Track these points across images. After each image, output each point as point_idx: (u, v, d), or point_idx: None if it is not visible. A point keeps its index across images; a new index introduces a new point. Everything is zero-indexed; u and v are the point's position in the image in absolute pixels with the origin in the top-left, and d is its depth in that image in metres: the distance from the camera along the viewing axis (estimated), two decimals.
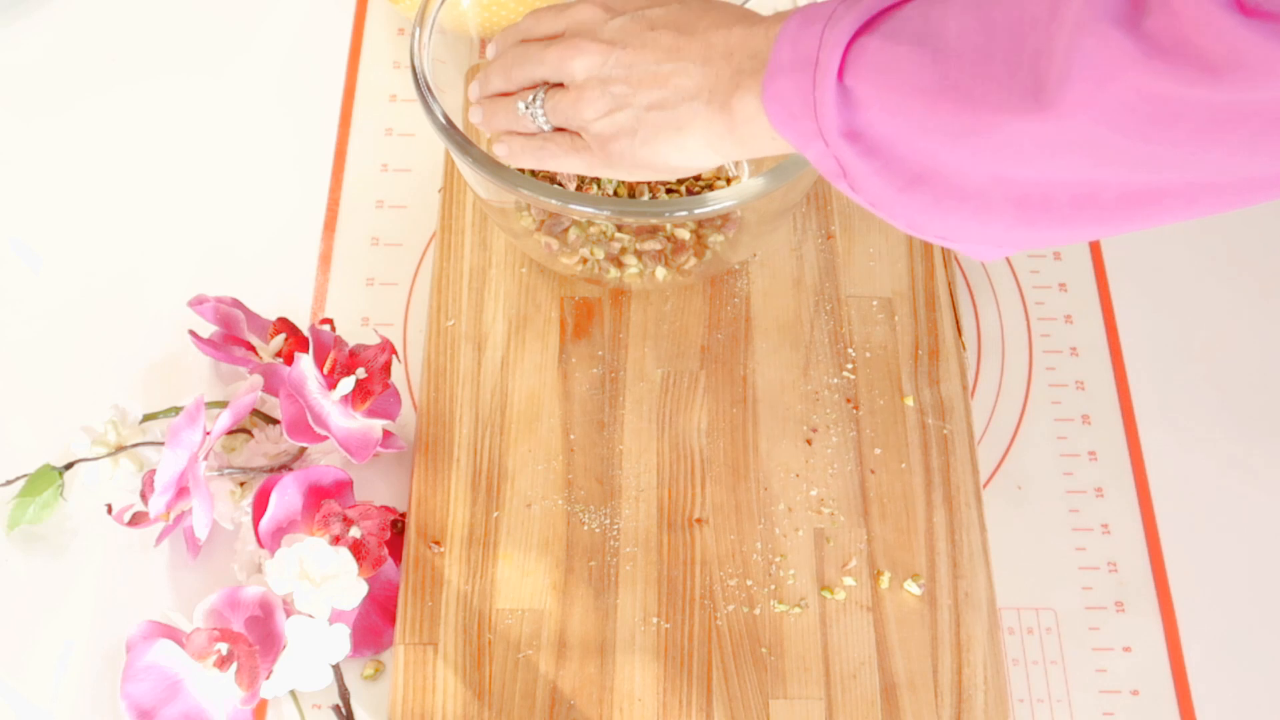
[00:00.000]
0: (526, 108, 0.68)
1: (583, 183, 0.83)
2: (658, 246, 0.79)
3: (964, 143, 0.53)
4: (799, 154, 0.67)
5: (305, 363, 0.74)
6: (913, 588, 0.74)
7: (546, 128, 0.69)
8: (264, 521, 0.71)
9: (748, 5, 0.71)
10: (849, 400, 0.80)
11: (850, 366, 0.81)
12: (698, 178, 0.85)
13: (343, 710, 0.71)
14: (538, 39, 0.69)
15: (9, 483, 0.77)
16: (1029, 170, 0.52)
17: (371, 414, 0.75)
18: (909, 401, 0.79)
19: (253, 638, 0.69)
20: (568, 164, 0.69)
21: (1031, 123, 0.50)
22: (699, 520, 0.76)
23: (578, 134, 0.68)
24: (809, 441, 0.78)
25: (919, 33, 0.53)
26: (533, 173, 0.85)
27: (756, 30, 0.61)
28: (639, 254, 0.79)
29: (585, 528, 0.76)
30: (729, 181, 0.85)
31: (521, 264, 0.85)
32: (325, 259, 0.88)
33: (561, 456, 0.78)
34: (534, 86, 0.69)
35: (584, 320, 0.82)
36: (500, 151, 0.71)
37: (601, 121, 0.66)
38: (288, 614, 0.70)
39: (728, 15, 0.64)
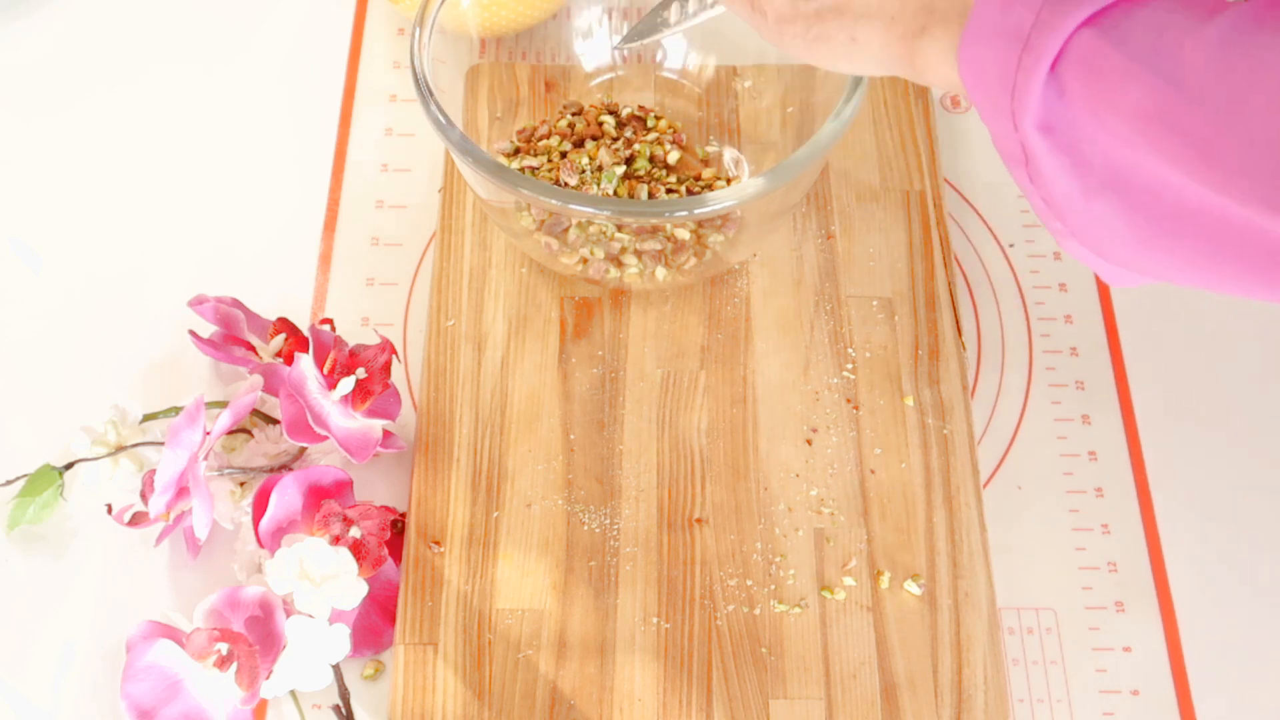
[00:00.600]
0: None
1: (583, 182, 0.83)
2: (658, 246, 0.79)
3: (1184, 194, 0.49)
4: (800, 154, 0.66)
5: (305, 363, 0.74)
6: (913, 588, 0.74)
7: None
8: (264, 521, 0.71)
9: None
10: (849, 400, 0.80)
11: (850, 366, 0.81)
12: (697, 177, 0.85)
13: (343, 710, 0.71)
14: None
15: (9, 483, 0.77)
16: (1259, 250, 0.49)
17: (371, 414, 0.75)
18: (909, 401, 0.79)
19: (253, 638, 0.69)
20: (742, 14, 0.65)
21: None
22: (699, 520, 0.76)
23: None
24: (809, 441, 0.78)
25: (1150, 52, 0.49)
26: (532, 171, 0.85)
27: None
28: (639, 254, 0.79)
29: (585, 528, 0.76)
30: (729, 181, 0.85)
31: (521, 264, 0.85)
32: (325, 259, 0.88)
33: (561, 456, 0.78)
34: None
35: (584, 320, 0.82)
36: None
37: (781, 8, 0.62)
38: (288, 614, 0.70)
39: None
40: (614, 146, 0.86)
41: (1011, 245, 0.88)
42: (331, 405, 0.74)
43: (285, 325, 0.80)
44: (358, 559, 0.71)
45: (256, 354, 0.80)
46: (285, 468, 0.76)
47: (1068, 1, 0.51)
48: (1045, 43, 0.51)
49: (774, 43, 0.64)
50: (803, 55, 0.64)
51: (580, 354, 0.81)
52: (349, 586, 0.70)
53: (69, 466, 0.76)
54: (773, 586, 0.74)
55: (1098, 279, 0.87)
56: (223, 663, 0.68)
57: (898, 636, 0.73)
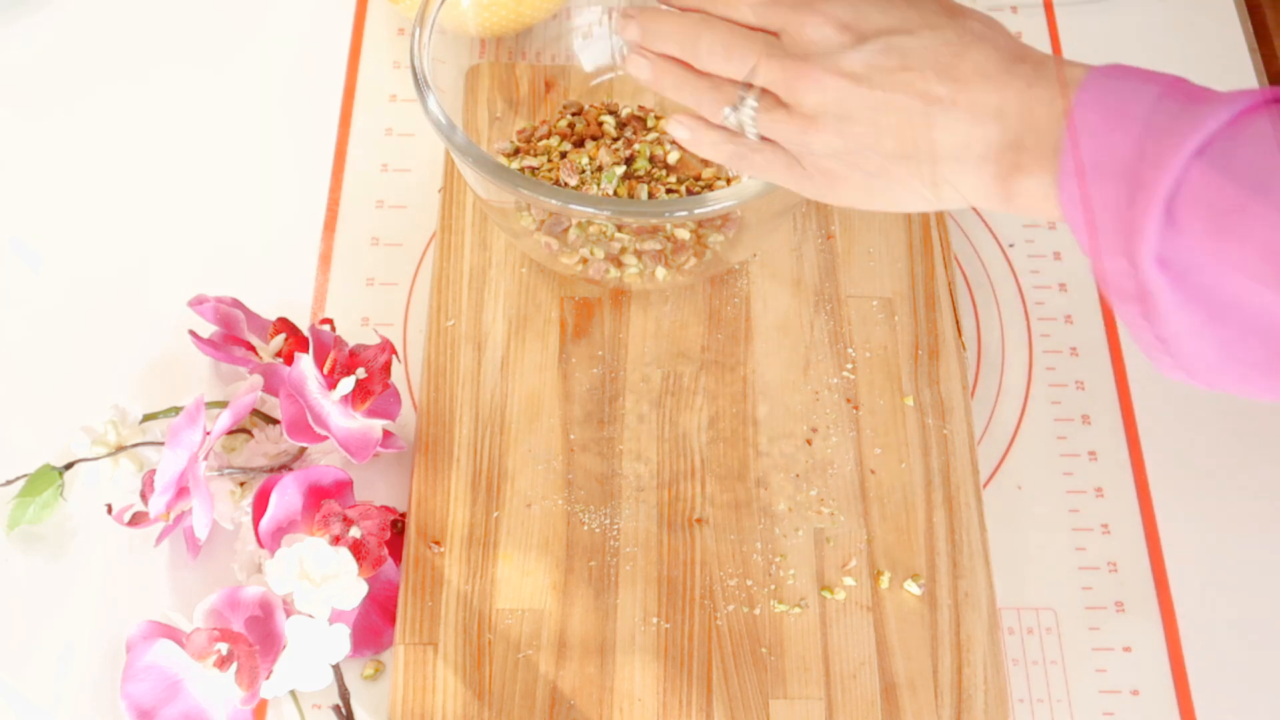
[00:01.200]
0: (733, 112, 0.60)
1: (583, 182, 0.83)
2: (657, 246, 0.79)
3: None
4: None
5: (305, 363, 0.74)
6: (913, 588, 0.74)
7: (753, 136, 0.60)
8: (264, 521, 0.71)
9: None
10: (849, 400, 0.80)
11: (850, 366, 0.81)
12: (698, 177, 0.85)
13: (343, 710, 0.71)
14: (739, 22, 0.60)
15: (9, 483, 0.77)
16: None
17: (371, 414, 0.75)
18: (909, 401, 0.79)
19: (253, 638, 0.69)
20: (771, 178, 0.62)
21: None
22: (699, 520, 0.76)
23: (787, 150, 0.60)
24: (809, 441, 0.78)
25: (1265, 183, 0.48)
26: (532, 171, 0.85)
27: (1036, 93, 0.54)
28: (639, 254, 0.79)
29: (585, 528, 0.76)
30: (729, 181, 0.85)
31: (521, 264, 0.85)
32: (325, 259, 0.88)
33: (561, 456, 0.78)
34: (734, 81, 0.60)
35: (584, 320, 0.82)
36: (679, 134, 0.64)
37: (832, 159, 0.58)
38: (288, 614, 0.70)
39: (992, 55, 0.55)
40: (614, 146, 0.85)
41: (1011, 245, 0.88)
42: (331, 405, 0.74)
43: (285, 325, 0.80)
44: (358, 559, 0.71)
45: (256, 354, 0.80)
46: (285, 468, 0.76)
47: (1171, 132, 0.49)
48: (1158, 179, 0.49)
49: (823, 198, 0.61)
50: (862, 204, 0.60)
51: (580, 354, 0.81)
52: (349, 586, 0.70)
53: (69, 466, 0.76)
54: (773, 586, 0.74)
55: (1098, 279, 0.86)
56: (223, 663, 0.68)
57: (898, 636, 0.73)
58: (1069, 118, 0.52)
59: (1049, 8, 1.00)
